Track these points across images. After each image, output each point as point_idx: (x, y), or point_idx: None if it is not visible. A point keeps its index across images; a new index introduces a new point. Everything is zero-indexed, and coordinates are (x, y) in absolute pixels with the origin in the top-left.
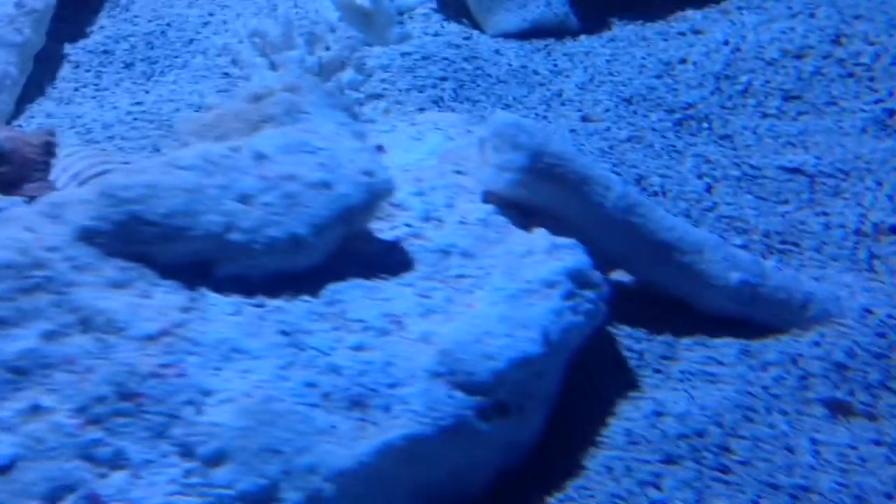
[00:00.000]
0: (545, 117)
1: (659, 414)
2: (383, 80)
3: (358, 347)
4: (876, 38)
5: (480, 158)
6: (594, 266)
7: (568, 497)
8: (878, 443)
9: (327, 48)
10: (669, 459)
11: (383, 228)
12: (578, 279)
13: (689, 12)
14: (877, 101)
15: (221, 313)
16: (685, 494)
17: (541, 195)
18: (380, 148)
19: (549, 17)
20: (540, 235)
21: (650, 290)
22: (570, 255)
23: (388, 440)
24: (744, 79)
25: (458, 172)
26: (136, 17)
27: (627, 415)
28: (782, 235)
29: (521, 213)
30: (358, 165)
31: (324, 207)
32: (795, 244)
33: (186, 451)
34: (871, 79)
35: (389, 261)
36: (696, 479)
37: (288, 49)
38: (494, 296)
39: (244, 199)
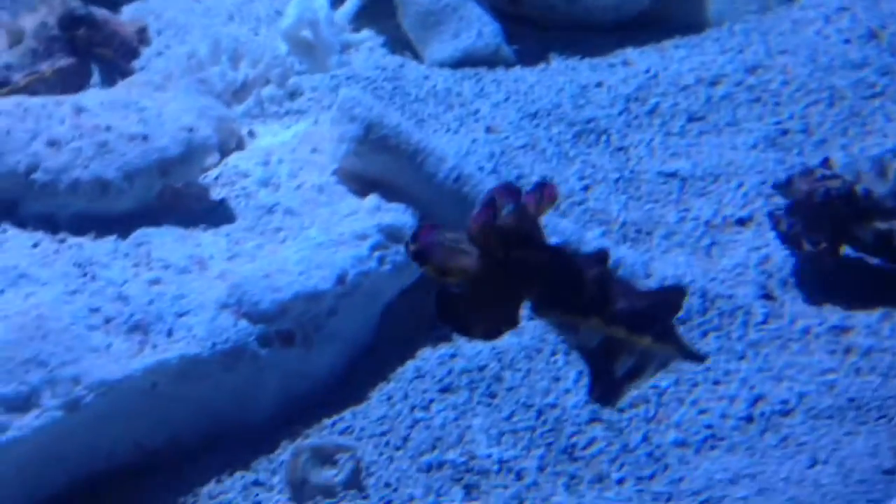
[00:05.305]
0: (456, 132)
1: (453, 356)
2: (310, 99)
3: (154, 282)
4: (792, 69)
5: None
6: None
7: (342, 419)
8: None
9: (254, 67)
10: (447, 389)
11: (221, 192)
12: (391, 234)
13: (629, 50)
14: (777, 123)
15: (18, 245)
16: (448, 413)
17: (376, 165)
18: (250, 133)
19: (480, 47)
20: (369, 199)
21: None
22: (391, 214)
23: (163, 359)
24: (653, 101)
25: (314, 151)
26: None
27: (424, 357)
28: (638, 226)
29: (368, 185)
30: (181, 122)
31: (138, 157)
32: (648, 233)
33: None
34: (777, 104)
35: (214, 215)
36: (464, 402)
37: (213, 66)
38: (303, 244)
39: (53, 143)
